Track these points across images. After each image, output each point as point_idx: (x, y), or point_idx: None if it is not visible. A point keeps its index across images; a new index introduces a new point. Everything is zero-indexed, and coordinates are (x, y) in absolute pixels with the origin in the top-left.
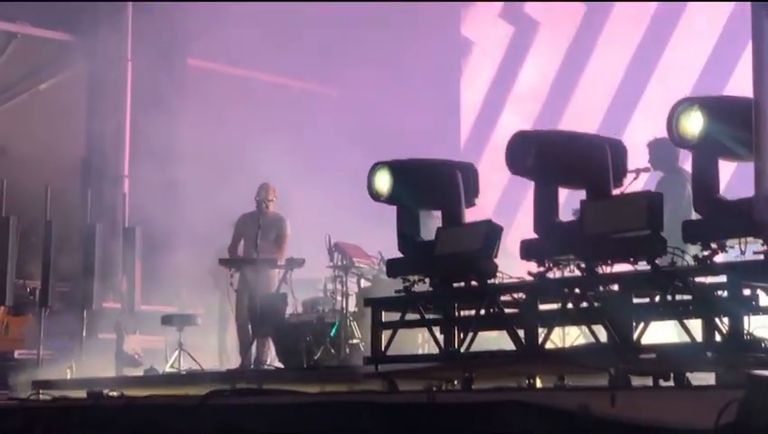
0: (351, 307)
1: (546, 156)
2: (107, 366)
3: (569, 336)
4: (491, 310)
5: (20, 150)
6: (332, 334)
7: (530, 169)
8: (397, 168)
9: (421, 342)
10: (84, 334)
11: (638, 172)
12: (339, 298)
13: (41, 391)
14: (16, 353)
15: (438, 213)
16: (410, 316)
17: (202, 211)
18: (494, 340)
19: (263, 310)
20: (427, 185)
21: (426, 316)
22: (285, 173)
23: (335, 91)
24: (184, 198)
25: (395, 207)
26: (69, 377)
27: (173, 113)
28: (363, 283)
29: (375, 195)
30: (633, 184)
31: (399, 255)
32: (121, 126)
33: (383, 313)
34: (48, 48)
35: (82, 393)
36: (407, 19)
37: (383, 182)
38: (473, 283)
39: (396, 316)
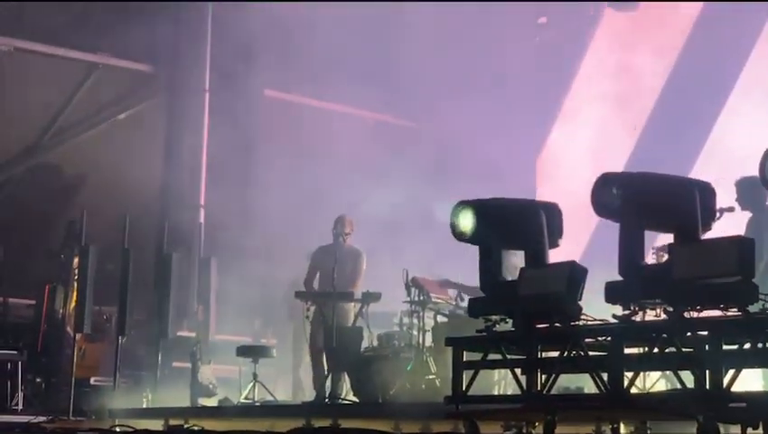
0: (428, 343)
1: (632, 199)
2: (182, 395)
3: (649, 379)
4: (575, 352)
5: (99, 178)
6: (407, 368)
7: (616, 211)
8: (480, 208)
9: (497, 379)
10: (159, 362)
11: (721, 211)
12: (415, 333)
13: (118, 422)
14: (92, 380)
15: (520, 252)
16: (491, 356)
17: (277, 241)
18: (569, 377)
19: (338, 343)
20: (511, 226)
21: (509, 357)
22: (362, 205)
23: (414, 124)
24: (259, 229)
25: (476, 246)
26: (145, 406)
27: (250, 144)
28: (440, 318)
29: (458, 235)
30: (716, 224)
31: (480, 293)
32: (198, 156)
33: (464, 352)
34: (128, 78)
35: (159, 423)
36: (484, 46)
37: (467, 222)
38: (557, 325)
39: (474, 355)
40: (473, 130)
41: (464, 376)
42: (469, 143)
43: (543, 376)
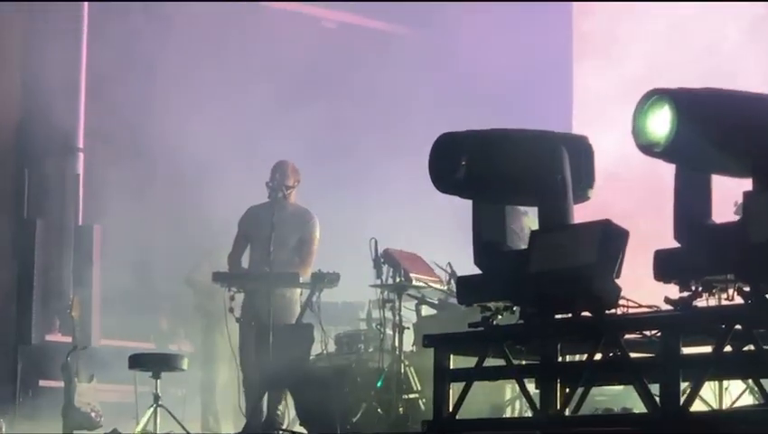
0: (407, 346)
1: (694, 127)
2: (53, 426)
3: (729, 393)
4: (612, 354)
5: None
6: (378, 384)
7: (669, 147)
8: (474, 143)
9: (510, 398)
10: (18, 379)
11: None
12: (389, 332)
13: None
14: None
15: (532, 211)
16: (492, 362)
17: (191, 201)
18: (615, 396)
19: (278, 349)
20: (518, 169)
21: (515, 362)
22: (311, 148)
23: (395, 28)
24: (165, 184)
25: (469, 201)
26: None
27: (151, 58)
28: (425, 310)
29: (441, 183)
30: None
31: (476, 270)
32: (74, 77)
33: (451, 357)
34: None
35: None
36: None
37: (454, 163)
38: (585, 314)
39: (471, 361)
40: (485, 40)
41: (452, 391)
42: (477, 57)
43: (566, 389)
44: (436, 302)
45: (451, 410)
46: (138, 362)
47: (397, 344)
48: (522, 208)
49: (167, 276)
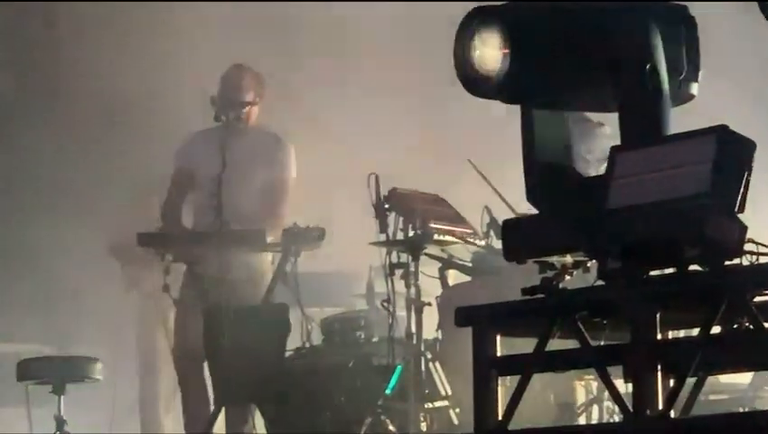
0: (430, 331)
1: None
2: None
3: None
4: (737, 326)
5: None
6: (387, 390)
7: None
8: (518, 21)
9: (584, 402)
10: None
11: None
12: (402, 313)
13: None
14: None
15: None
16: (559, 345)
17: (103, 135)
18: (736, 394)
19: (238, 344)
20: (586, 58)
21: (593, 343)
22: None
23: None
24: (64, 113)
25: (515, 107)
26: None
27: None
28: (453, 277)
29: (472, 81)
30: None
31: (530, 210)
32: None
33: (498, 339)
34: None
35: None
36: None
37: (490, 51)
38: (694, 267)
39: (526, 346)
40: None
41: (501, 389)
42: None
43: (671, 381)
44: (470, 264)
45: (500, 418)
46: (32, 370)
47: (414, 329)
48: (593, 117)
49: (71, 242)
